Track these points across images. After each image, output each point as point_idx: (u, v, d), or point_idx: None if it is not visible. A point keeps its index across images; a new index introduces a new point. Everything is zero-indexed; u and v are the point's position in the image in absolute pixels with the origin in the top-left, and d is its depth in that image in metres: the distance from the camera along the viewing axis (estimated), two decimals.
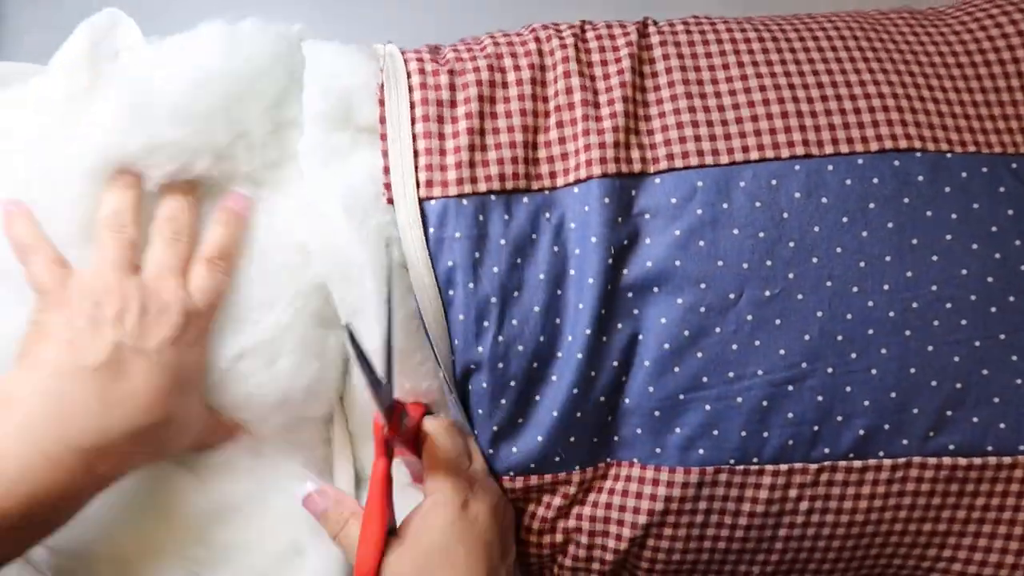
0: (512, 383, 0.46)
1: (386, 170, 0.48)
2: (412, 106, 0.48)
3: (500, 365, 0.46)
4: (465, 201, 0.47)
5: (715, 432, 0.47)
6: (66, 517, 0.40)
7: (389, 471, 0.45)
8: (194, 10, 0.78)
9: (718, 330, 0.47)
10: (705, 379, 0.47)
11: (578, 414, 0.47)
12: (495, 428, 0.47)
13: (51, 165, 0.46)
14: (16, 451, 0.38)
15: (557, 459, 0.47)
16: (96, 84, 0.49)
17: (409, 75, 0.49)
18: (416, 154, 0.47)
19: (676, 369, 0.47)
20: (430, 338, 0.47)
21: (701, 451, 0.47)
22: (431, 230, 0.46)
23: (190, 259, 0.46)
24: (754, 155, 0.47)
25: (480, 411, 0.47)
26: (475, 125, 0.48)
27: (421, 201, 0.47)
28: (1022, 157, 0.48)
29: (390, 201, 0.47)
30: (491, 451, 0.47)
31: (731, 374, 0.47)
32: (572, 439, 0.47)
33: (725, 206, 0.47)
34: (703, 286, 0.47)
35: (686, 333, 0.47)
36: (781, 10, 0.56)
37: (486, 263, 0.47)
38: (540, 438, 0.46)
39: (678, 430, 0.47)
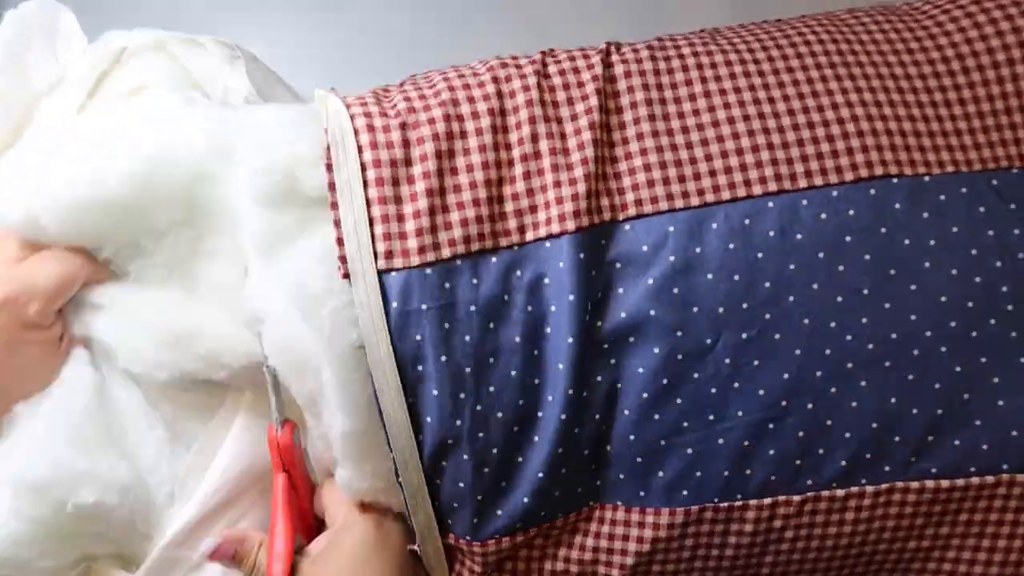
0: (494, 450, 0.46)
1: (339, 241, 0.45)
2: (363, 168, 0.45)
3: (480, 435, 0.45)
4: (429, 271, 0.45)
5: (698, 474, 0.47)
6: None
7: (289, 483, 0.48)
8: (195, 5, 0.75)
9: (696, 376, 0.46)
10: (686, 424, 0.47)
11: (563, 470, 0.46)
12: (479, 497, 0.46)
13: None
14: None
15: (543, 513, 0.47)
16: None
17: (357, 133, 0.46)
18: (372, 222, 0.45)
19: (656, 417, 0.47)
20: (384, 421, 0.45)
21: (685, 492, 0.47)
22: (394, 305, 0.44)
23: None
24: (726, 195, 0.46)
25: (462, 484, 0.46)
26: (434, 185, 0.46)
27: (380, 274, 0.45)
28: (1003, 172, 0.46)
29: (346, 276, 0.45)
30: (475, 520, 0.47)
31: (711, 417, 0.47)
32: (557, 493, 0.47)
33: (698, 250, 0.46)
34: (679, 333, 0.46)
35: (664, 381, 0.46)
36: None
37: (457, 332, 0.45)
38: (526, 499, 0.46)
39: (661, 474, 0.47)
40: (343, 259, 0.45)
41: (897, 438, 0.47)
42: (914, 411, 0.46)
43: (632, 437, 0.47)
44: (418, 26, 0.73)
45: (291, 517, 0.47)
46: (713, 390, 0.46)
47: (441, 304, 0.45)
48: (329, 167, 0.46)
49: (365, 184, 0.45)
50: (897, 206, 0.46)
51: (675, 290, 0.46)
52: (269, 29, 0.77)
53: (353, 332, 0.45)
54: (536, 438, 0.46)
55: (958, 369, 0.46)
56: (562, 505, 0.48)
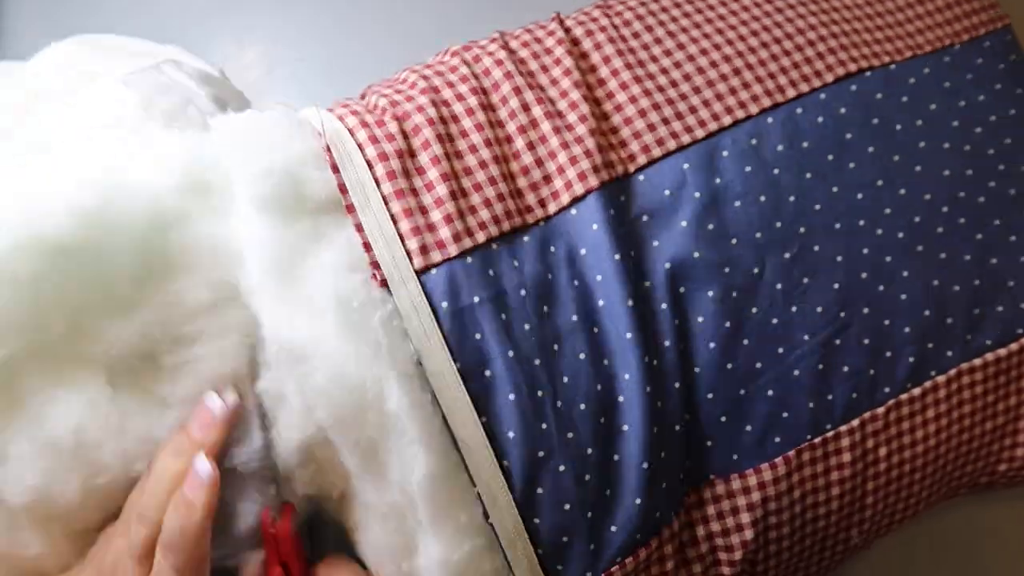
0: (589, 451, 0.40)
1: (367, 247, 0.39)
2: (370, 166, 0.40)
3: (570, 435, 0.39)
4: (470, 259, 0.39)
5: (784, 415, 0.44)
6: None
7: None
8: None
9: (755, 310, 0.43)
10: (759, 365, 0.43)
11: (662, 454, 0.41)
12: (589, 515, 0.39)
13: None
14: None
15: (658, 514, 0.41)
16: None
17: (352, 132, 0.41)
18: (394, 219, 0.39)
19: (730, 366, 0.43)
20: (461, 452, 0.38)
21: (777, 439, 0.44)
22: (443, 305, 0.38)
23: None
24: (726, 120, 0.44)
25: (567, 506, 0.39)
26: (447, 170, 0.41)
27: (419, 274, 0.39)
28: (948, 49, 0.49)
29: (383, 284, 0.39)
30: (592, 547, 0.39)
31: (781, 350, 0.44)
32: (664, 485, 0.41)
33: (718, 181, 0.44)
34: (727, 270, 0.43)
35: (728, 325, 0.43)
36: None
37: (516, 322, 0.39)
38: (638, 501, 0.40)
39: (749, 428, 0.43)
40: (375, 265, 0.39)
41: (950, 320, 0.46)
42: (956, 288, 0.46)
43: (711, 395, 0.43)
44: (421, 26, 0.70)
45: None
46: (775, 320, 0.44)
47: (492, 294, 0.39)
48: (334, 168, 0.40)
49: (377, 182, 0.39)
50: (879, 96, 0.46)
51: (710, 226, 0.43)
52: (268, 28, 0.72)
53: (409, 344, 0.38)
54: (626, 426, 0.41)
55: (979, 237, 0.47)
56: (671, 501, 0.42)
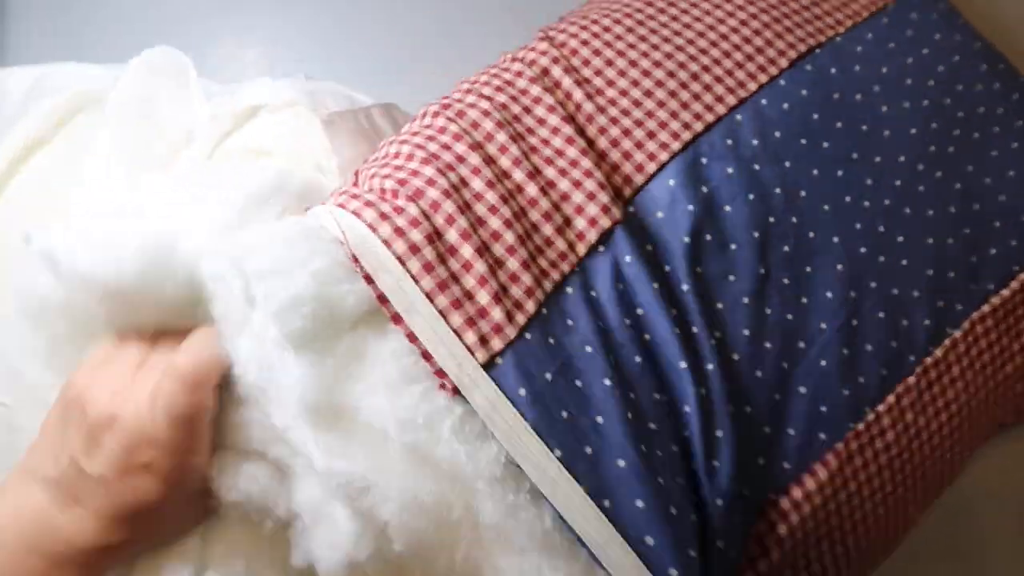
0: (678, 480, 0.37)
1: (425, 356, 0.35)
2: (402, 261, 0.36)
3: (678, 480, 0.37)
4: (528, 334, 0.36)
5: (823, 408, 0.42)
6: None
7: None
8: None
9: (769, 311, 0.42)
10: (785, 365, 0.42)
11: (745, 492, 0.39)
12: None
13: None
14: None
15: (733, 553, 0.39)
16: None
17: (374, 228, 0.37)
18: (443, 315, 0.35)
19: (759, 374, 0.42)
20: (588, 547, 0.35)
21: (822, 436, 0.42)
22: (521, 393, 0.35)
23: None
24: (698, 126, 0.43)
25: (692, 552, 0.36)
26: (477, 243, 0.37)
27: (486, 368, 0.35)
28: (883, 11, 0.49)
29: (455, 392, 0.35)
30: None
31: (802, 345, 0.43)
32: (740, 518, 0.39)
33: (704, 190, 0.42)
34: (732, 279, 0.42)
35: (747, 333, 0.42)
36: None
37: (593, 386, 0.36)
38: (720, 544, 0.38)
39: (791, 432, 0.42)
40: (440, 374, 0.35)
41: (952, 274, 0.46)
42: (949, 241, 0.46)
43: (749, 409, 0.41)
44: (421, 26, 0.67)
45: None
46: (789, 316, 0.42)
47: (560, 364, 0.36)
48: (368, 279, 0.36)
49: (415, 278, 0.36)
50: (833, 71, 0.46)
51: (707, 237, 0.42)
52: (268, 28, 0.71)
53: (491, 446, 0.34)
54: (716, 463, 0.38)
55: (958, 186, 0.47)
56: (745, 520, 0.40)
